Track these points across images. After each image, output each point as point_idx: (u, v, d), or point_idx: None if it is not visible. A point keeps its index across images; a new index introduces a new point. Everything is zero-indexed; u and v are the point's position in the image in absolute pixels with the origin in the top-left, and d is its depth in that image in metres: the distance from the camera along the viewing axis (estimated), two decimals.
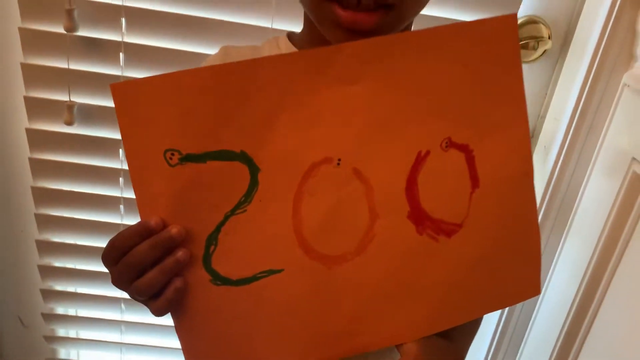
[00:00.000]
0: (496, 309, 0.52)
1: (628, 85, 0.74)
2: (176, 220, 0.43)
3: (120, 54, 0.83)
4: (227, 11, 0.81)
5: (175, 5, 0.81)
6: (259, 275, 0.45)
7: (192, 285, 0.44)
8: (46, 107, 0.85)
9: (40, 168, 0.90)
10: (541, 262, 0.51)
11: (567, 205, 0.85)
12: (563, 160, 0.83)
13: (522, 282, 0.51)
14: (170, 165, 0.41)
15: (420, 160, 0.45)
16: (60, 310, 1.05)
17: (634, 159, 0.70)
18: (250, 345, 0.47)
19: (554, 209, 0.86)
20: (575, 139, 0.81)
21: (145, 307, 0.45)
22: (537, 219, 0.50)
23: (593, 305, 0.76)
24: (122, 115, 0.40)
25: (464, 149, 0.45)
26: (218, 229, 0.44)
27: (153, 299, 0.44)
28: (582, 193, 0.82)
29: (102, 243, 0.84)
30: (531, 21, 0.83)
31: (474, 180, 0.46)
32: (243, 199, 0.43)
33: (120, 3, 0.80)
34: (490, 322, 0.97)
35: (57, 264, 0.99)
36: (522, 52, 0.84)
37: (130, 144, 0.41)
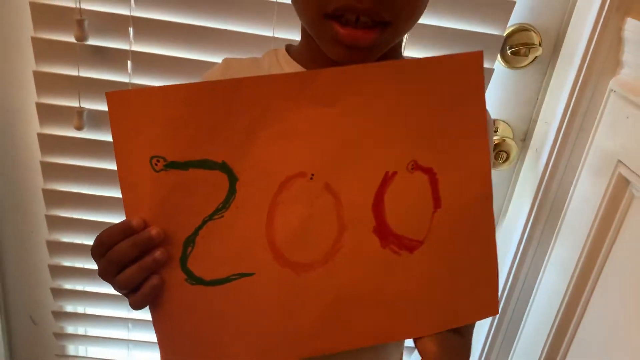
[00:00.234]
0: (455, 325, 0.52)
1: (614, 91, 0.76)
2: (158, 221, 0.45)
3: (128, 62, 0.84)
4: (229, 21, 0.82)
5: (180, 16, 0.82)
6: (232, 277, 0.47)
7: (169, 283, 0.46)
8: (57, 113, 0.86)
9: (51, 171, 0.91)
10: (498, 282, 0.52)
11: (558, 205, 0.87)
12: (554, 162, 0.85)
13: (480, 301, 0.53)
14: (155, 170, 0.44)
15: (387, 179, 0.47)
16: (69, 308, 1.06)
17: (619, 161, 0.72)
18: (220, 342, 0.49)
19: (545, 209, 0.87)
20: (565, 142, 0.83)
21: None
22: (494, 241, 0.51)
23: (582, 301, 0.78)
24: (114, 121, 0.43)
25: (428, 171, 0.48)
26: (196, 232, 0.46)
27: (132, 293, 0.46)
28: (572, 193, 0.84)
29: None
30: (523, 29, 0.84)
31: (436, 201, 0.49)
32: (221, 205, 0.45)
33: (128, 14, 0.81)
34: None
35: (67, 263, 1.00)
36: (515, 58, 0.85)
37: (120, 148, 0.44)
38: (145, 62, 0.84)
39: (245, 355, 0.50)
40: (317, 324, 0.49)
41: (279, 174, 0.46)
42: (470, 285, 0.52)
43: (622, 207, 0.72)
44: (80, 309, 1.07)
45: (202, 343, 0.49)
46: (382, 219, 0.48)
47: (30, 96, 0.87)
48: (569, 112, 0.81)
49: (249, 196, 0.46)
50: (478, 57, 0.46)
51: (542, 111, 0.89)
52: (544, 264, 0.90)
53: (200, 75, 0.82)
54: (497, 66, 0.87)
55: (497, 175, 0.95)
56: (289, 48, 0.57)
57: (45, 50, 0.83)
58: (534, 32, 0.85)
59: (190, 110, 0.43)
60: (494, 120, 0.91)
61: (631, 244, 0.70)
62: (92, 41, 0.83)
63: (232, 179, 0.45)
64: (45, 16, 0.81)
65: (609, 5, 0.74)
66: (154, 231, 0.44)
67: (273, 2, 0.80)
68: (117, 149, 0.44)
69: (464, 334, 0.53)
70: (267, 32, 0.83)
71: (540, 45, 0.85)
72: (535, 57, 0.86)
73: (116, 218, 0.93)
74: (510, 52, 0.85)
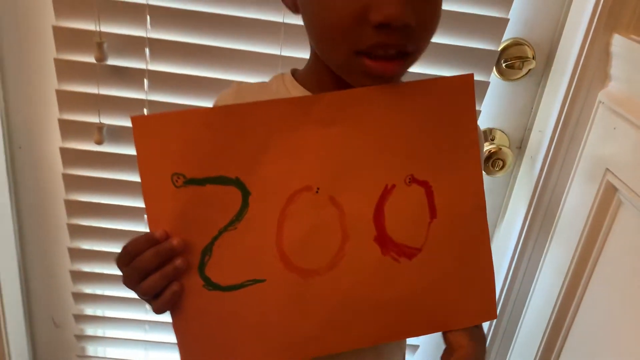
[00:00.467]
0: (454, 328, 0.55)
1: (603, 103, 0.78)
2: (178, 232, 0.48)
3: (145, 80, 0.87)
4: (239, 41, 0.85)
5: (193, 37, 0.85)
6: (245, 283, 0.50)
7: (188, 289, 0.50)
8: (78, 128, 0.89)
9: (73, 183, 0.94)
10: (495, 288, 0.55)
11: (552, 210, 0.89)
12: (548, 169, 0.87)
13: (478, 306, 0.55)
14: (175, 186, 0.47)
15: (386, 192, 0.51)
16: (89, 311, 1.08)
17: (607, 169, 0.74)
18: (235, 343, 0.52)
19: (540, 213, 0.90)
20: (558, 150, 0.85)
21: None
22: (489, 249, 0.54)
23: (575, 300, 0.81)
24: (139, 143, 0.47)
25: (424, 184, 0.52)
26: (212, 242, 0.49)
27: (154, 299, 0.49)
28: (565, 198, 0.86)
29: None
30: (517, 43, 0.88)
31: (432, 211, 0.52)
32: (235, 217, 0.49)
33: (144, 35, 0.84)
34: None
35: (87, 269, 1.02)
36: (510, 71, 0.88)
37: (144, 167, 0.47)
38: (160, 80, 0.88)
39: (257, 355, 0.53)
40: (323, 325, 0.52)
41: (287, 188, 0.49)
42: (467, 289, 0.55)
43: (610, 213, 0.74)
44: (99, 312, 1.09)
45: (218, 344, 0.52)
46: (382, 229, 0.51)
47: (53, 113, 0.91)
48: (561, 122, 0.84)
49: (260, 209, 0.49)
50: (469, 79, 0.50)
51: (537, 121, 0.92)
52: (539, 266, 0.92)
53: (212, 91, 0.88)
54: (493, 79, 0.90)
55: (495, 181, 0.98)
56: (295, 72, 0.60)
57: (67, 70, 0.86)
58: (528, 46, 0.88)
59: (206, 132, 0.47)
60: (491, 130, 0.95)
61: (619, 246, 0.73)
62: (111, 61, 0.86)
63: (245, 194, 0.49)
64: (67, 39, 0.84)
65: (597, 22, 0.77)
66: (175, 241, 0.48)
67: (280, 23, 0.84)
68: (141, 168, 0.47)
69: (479, 326, 0.58)
70: (274, 51, 0.86)
71: (533, 58, 0.88)
72: (529, 69, 0.89)
73: (131, 226, 0.97)
74: (506, 66, 0.88)
